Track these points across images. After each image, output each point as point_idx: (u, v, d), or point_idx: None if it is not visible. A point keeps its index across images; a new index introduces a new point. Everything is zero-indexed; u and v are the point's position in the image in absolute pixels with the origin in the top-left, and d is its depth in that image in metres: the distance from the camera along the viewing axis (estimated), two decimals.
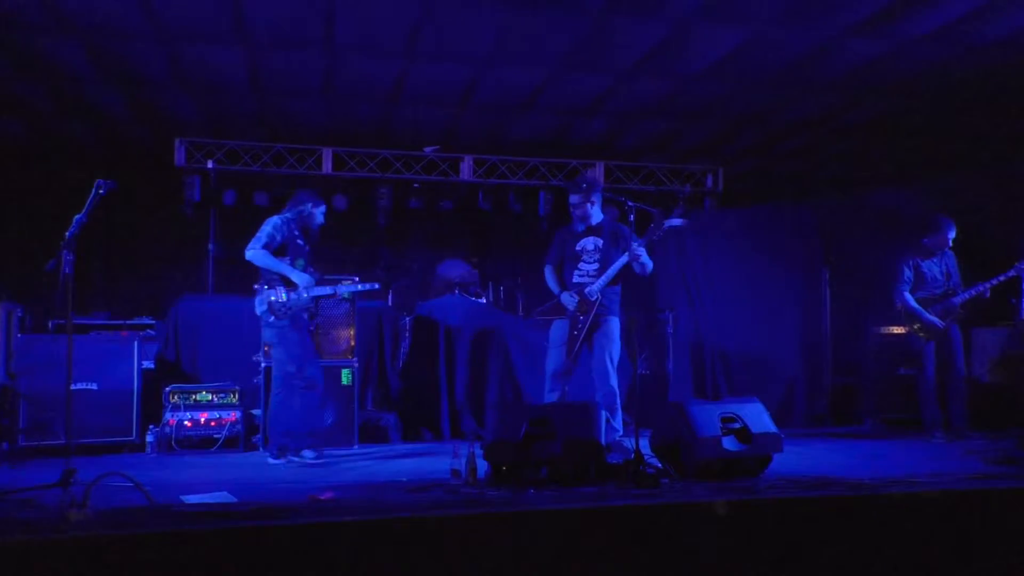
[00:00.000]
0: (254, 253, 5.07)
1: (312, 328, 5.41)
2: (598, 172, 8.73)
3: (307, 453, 5.15)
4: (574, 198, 5.26)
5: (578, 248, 5.21)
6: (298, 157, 8.18)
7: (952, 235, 6.11)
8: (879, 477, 3.92)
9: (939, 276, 6.16)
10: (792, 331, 7.33)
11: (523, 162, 8.66)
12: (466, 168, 8.56)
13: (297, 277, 5.14)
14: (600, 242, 5.17)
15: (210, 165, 7.84)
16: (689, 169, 8.99)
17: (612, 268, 5.05)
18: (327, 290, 5.34)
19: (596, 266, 5.12)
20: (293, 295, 5.11)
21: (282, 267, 5.12)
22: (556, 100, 7.11)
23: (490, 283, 8.35)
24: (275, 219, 5.23)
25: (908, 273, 6.15)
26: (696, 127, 7.83)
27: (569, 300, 5.09)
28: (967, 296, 6.02)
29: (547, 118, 7.58)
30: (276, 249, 5.14)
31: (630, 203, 4.84)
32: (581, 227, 5.27)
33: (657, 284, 7.76)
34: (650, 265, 5.06)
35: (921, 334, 6.12)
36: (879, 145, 8.16)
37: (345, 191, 8.44)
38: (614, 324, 5.14)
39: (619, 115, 7.53)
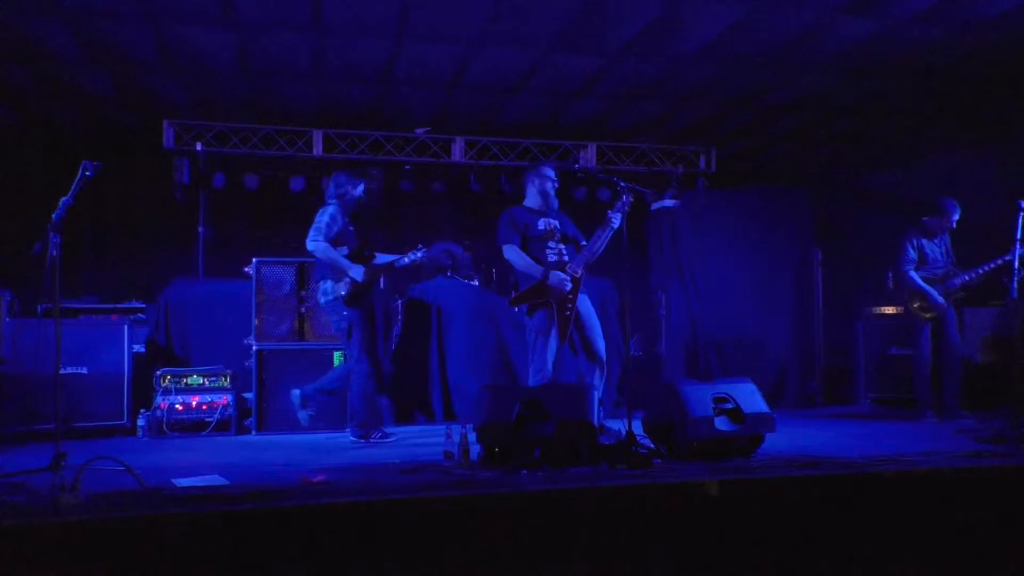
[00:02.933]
0: (316, 245, 5.15)
1: (304, 311, 5.43)
2: (590, 153, 8.70)
3: (387, 430, 5.43)
4: (553, 173, 5.20)
5: (541, 227, 5.04)
6: (288, 139, 8.12)
7: (956, 217, 6.04)
8: (870, 456, 3.94)
9: (940, 257, 6.12)
10: (784, 312, 7.35)
11: (515, 143, 8.62)
12: (457, 150, 8.52)
13: (355, 272, 5.24)
14: (557, 222, 5.11)
15: (199, 147, 7.78)
16: (682, 150, 8.97)
17: (598, 244, 4.96)
18: (389, 258, 5.46)
19: (563, 246, 5.06)
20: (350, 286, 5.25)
21: (341, 261, 5.22)
22: (548, 81, 7.06)
23: (482, 265, 8.32)
24: (330, 208, 5.30)
25: (912, 252, 6.07)
26: (689, 108, 7.80)
27: (562, 280, 4.89)
28: (966, 278, 6.00)
29: (539, 99, 7.54)
30: (333, 239, 5.23)
31: (622, 183, 4.81)
32: (549, 205, 5.12)
33: (650, 265, 7.77)
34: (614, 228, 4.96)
35: (923, 314, 6.07)
36: (872, 126, 8.15)
37: (335, 172, 8.39)
38: (588, 301, 5.12)
39: (611, 96, 7.49)
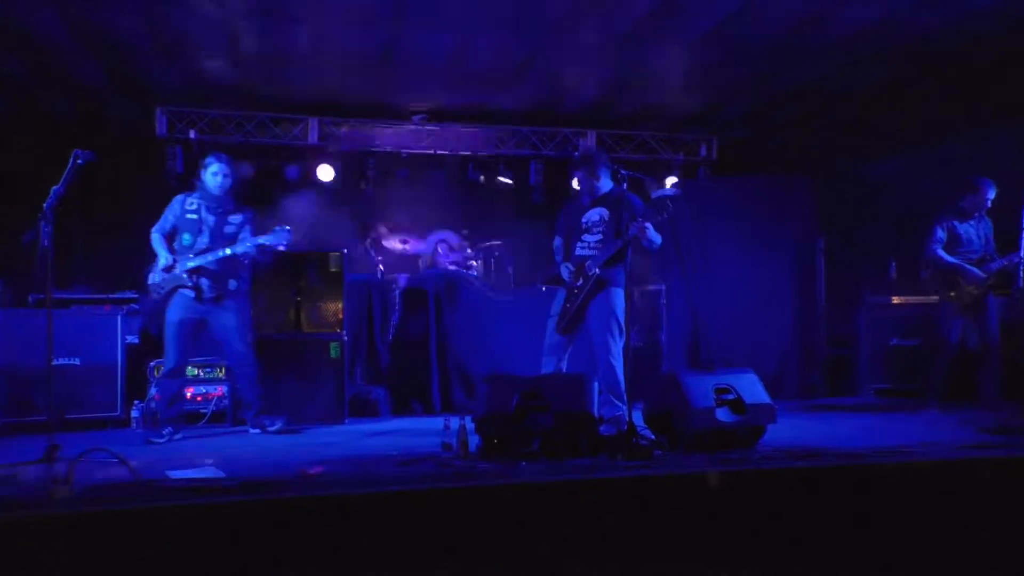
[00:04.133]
0: (152, 235, 5.19)
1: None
2: (590, 141, 8.68)
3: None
4: (575, 175, 5.26)
5: (584, 221, 5.07)
6: (284, 127, 8.09)
7: (991, 195, 5.83)
8: (873, 447, 3.94)
9: (975, 239, 5.88)
10: (787, 301, 7.35)
11: (513, 131, 8.59)
12: (455, 138, 8.49)
13: (162, 257, 5.11)
14: (605, 212, 5.02)
15: (192, 135, 7.75)
16: (683, 138, 8.94)
17: (610, 247, 4.88)
18: (203, 259, 5.05)
19: (600, 237, 4.99)
20: (164, 274, 5.10)
21: (157, 247, 5.14)
22: (548, 68, 7.03)
23: (480, 255, 8.32)
24: (177, 197, 5.25)
25: (941, 233, 5.87)
26: (690, 95, 7.77)
27: (566, 272, 5.02)
28: (1001, 264, 5.78)
29: (538, 86, 7.51)
30: (169, 230, 5.17)
31: (623, 171, 4.79)
32: (587, 200, 5.13)
33: (650, 256, 7.76)
34: (658, 240, 4.88)
35: (953, 300, 5.84)
36: (876, 113, 8.12)
37: (331, 162, 8.37)
38: (615, 294, 4.92)
39: (612, 83, 7.46)
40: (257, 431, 5.27)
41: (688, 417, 3.99)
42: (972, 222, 5.93)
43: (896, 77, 7.12)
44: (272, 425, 5.27)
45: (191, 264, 5.02)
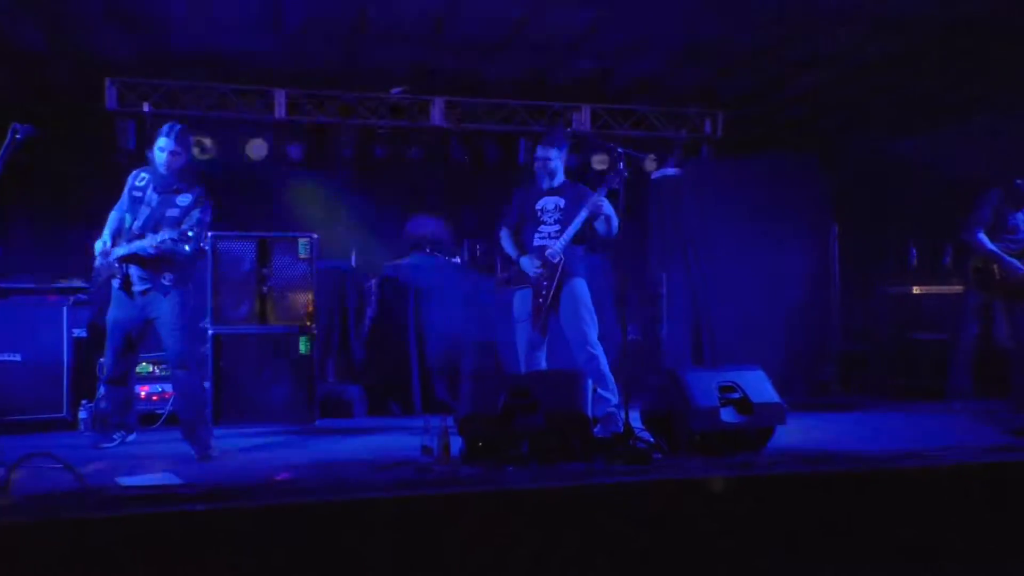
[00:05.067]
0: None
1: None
2: (584, 116, 8.65)
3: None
4: (547, 151, 5.25)
5: (537, 208, 5.21)
6: (247, 100, 8.02)
7: None
8: (891, 450, 3.97)
9: (1021, 226, 5.81)
10: (797, 291, 7.36)
11: (501, 105, 8.55)
12: (437, 112, 8.44)
13: (100, 240, 4.84)
14: (561, 201, 5.18)
15: (146, 108, 7.66)
16: (685, 113, 8.92)
17: (573, 225, 5.03)
18: (135, 247, 4.65)
19: (557, 227, 5.11)
20: (101, 259, 4.82)
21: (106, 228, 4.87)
22: (538, 35, 6.99)
23: (465, 240, 8.29)
24: (133, 171, 5.01)
25: (987, 213, 5.76)
26: (693, 67, 7.74)
27: (530, 265, 5.06)
28: None
29: (527, 56, 7.47)
30: (126, 209, 4.86)
31: (619, 149, 4.79)
32: (545, 185, 5.26)
33: (649, 240, 7.76)
34: (615, 222, 5.02)
35: (983, 291, 5.81)
36: (896, 86, 8.12)
37: (301, 138, 8.30)
38: (580, 285, 5.12)
39: (608, 53, 7.43)
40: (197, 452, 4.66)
41: (690, 418, 4.00)
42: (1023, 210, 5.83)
43: (918, 45, 7.10)
44: (213, 451, 4.66)
45: (121, 251, 4.68)
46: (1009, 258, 5.76)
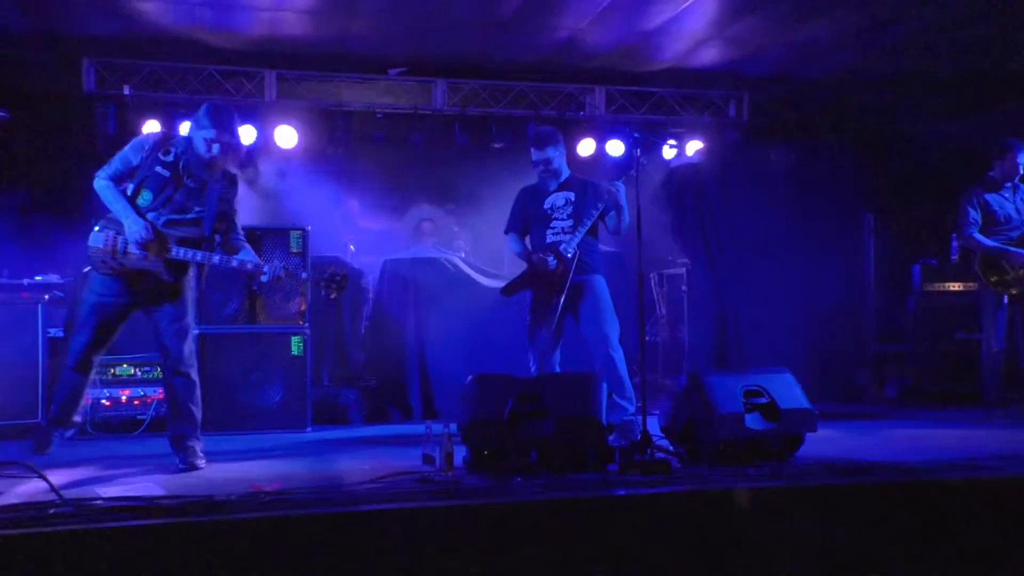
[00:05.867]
0: (97, 183, 4.47)
1: (256, 287, 5.00)
2: (598, 99, 8.64)
3: None
4: (545, 153, 5.27)
5: (547, 206, 5.27)
6: (235, 82, 8.03)
7: (1022, 159, 5.89)
8: (930, 460, 3.95)
9: (1013, 214, 5.94)
10: (829, 288, 7.35)
11: (508, 87, 8.54)
12: (439, 95, 8.44)
13: (130, 221, 4.34)
14: (572, 195, 5.24)
15: (127, 91, 7.68)
16: (707, 96, 8.90)
17: (587, 217, 5.09)
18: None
19: (570, 222, 5.16)
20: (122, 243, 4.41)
21: (118, 203, 4.40)
22: (548, 10, 6.98)
23: (469, 232, 8.29)
24: (139, 139, 4.61)
25: (973, 213, 5.92)
26: (716, 42, 7.72)
27: (546, 261, 5.05)
28: None
29: (537, 34, 7.46)
30: (125, 176, 4.48)
31: (636, 135, 4.80)
32: (552, 186, 5.31)
33: (670, 233, 7.75)
34: (628, 217, 5.07)
35: (999, 288, 5.86)
36: (935, 65, 8.07)
37: (293, 123, 8.31)
38: (599, 282, 5.20)
39: (624, 28, 7.41)
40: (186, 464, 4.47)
41: (712, 424, 4.00)
42: (1006, 193, 5.99)
43: (971, 15, 7.02)
44: (200, 462, 4.51)
45: (188, 254, 4.46)
46: (1014, 249, 5.83)
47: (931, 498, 3.37)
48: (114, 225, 4.43)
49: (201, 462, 4.47)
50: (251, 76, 8.05)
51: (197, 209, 4.51)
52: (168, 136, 4.64)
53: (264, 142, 8.25)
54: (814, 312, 7.34)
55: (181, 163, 4.48)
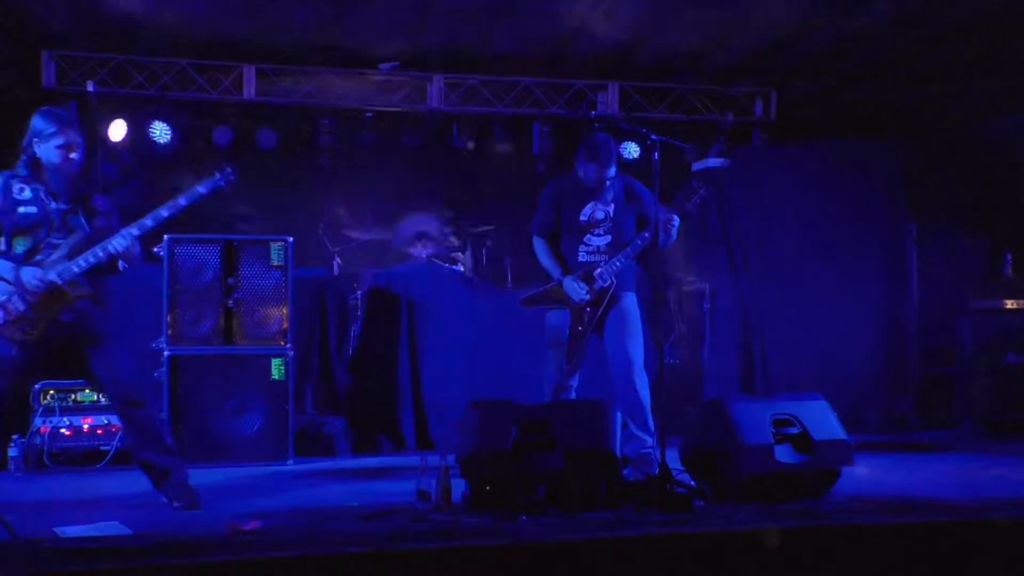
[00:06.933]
0: None
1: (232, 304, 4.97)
2: (611, 96, 8.68)
3: None
4: (607, 171, 5.10)
5: (583, 218, 5.16)
6: (210, 77, 8.07)
7: None
8: (983, 498, 3.94)
9: None
10: (867, 305, 7.35)
11: (512, 83, 8.58)
12: (436, 92, 8.48)
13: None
14: (611, 209, 5.15)
15: (91, 87, 7.73)
16: (731, 92, 8.93)
17: (632, 247, 5.03)
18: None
19: (609, 239, 5.10)
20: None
21: None
22: None
23: (469, 244, 8.32)
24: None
25: None
26: (741, 35, 7.75)
27: (576, 290, 4.98)
28: None
29: (543, 23, 7.49)
30: None
31: (653, 136, 4.79)
32: (609, 196, 5.18)
33: (690, 244, 7.75)
34: (675, 235, 5.06)
35: None
36: (987, 55, 8.08)
37: (274, 123, 8.35)
38: (631, 301, 5.14)
39: (639, 19, 7.45)
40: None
41: (738, 457, 3.99)
42: None
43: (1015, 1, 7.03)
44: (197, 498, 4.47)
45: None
46: None
47: (979, 540, 3.36)
48: None
49: (198, 499, 4.41)
50: (228, 71, 8.09)
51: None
52: (8, 175, 4.45)
53: (241, 142, 8.29)
54: (850, 332, 7.33)
55: (43, 192, 4.39)
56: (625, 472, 4.21)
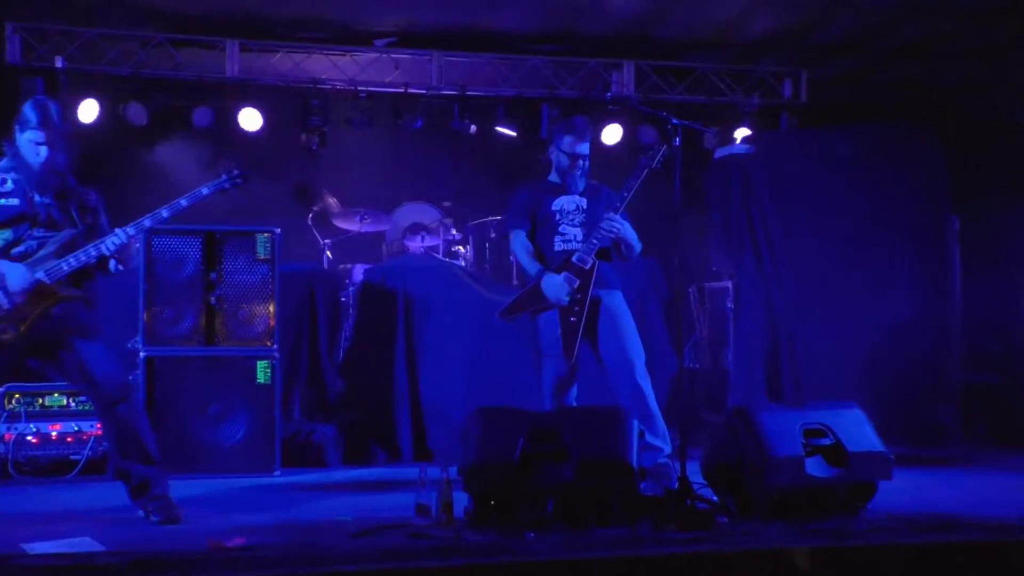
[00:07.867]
0: None
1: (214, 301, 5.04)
2: (627, 76, 8.68)
3: None
4: (581, 146, 5.33)
5: (555, 209, 5.34)
6: (190, 52, 8.09)
7: None
8: None
9: None
10: (906, 306, 7.32)
11: (518, 62, 8.59)
12: (435, 71, 8.49)
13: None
14: (584, 202, 5.35)
15: (59, 63, 7.75)
16: (758, 72, 8.94)
17: (606, 224, 5.11)
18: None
19: (581, 230, 5.26)
20: None
21: None
22: None
23: (470, 236, 8.32)
24: None
25: None
26: (768, 8, 7.75)
27: (557, 286, 5.03)
28: None
29: None
30: None
31: (674, 120, 4.79)
32: (579, 188, 5.38)
33: (711, 238, 7.75)
34: (637, 248, 5.24)
35: None
36: None
37: (259, 103, 8.36)
38: (619, 299, 5.28)
39: None
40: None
41: (765, 470, 4.00)
42: None
43: None
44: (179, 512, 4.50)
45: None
46: None
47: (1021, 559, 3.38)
48: None
49: (181, 514, 4.44)
50: (209, 46, 8.10)
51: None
52: None
53: (224, 124, 8.29)
54: (886, 335, 7.31)
55: (27, 184, 4.48)
56: (642, 485, 4.22)
